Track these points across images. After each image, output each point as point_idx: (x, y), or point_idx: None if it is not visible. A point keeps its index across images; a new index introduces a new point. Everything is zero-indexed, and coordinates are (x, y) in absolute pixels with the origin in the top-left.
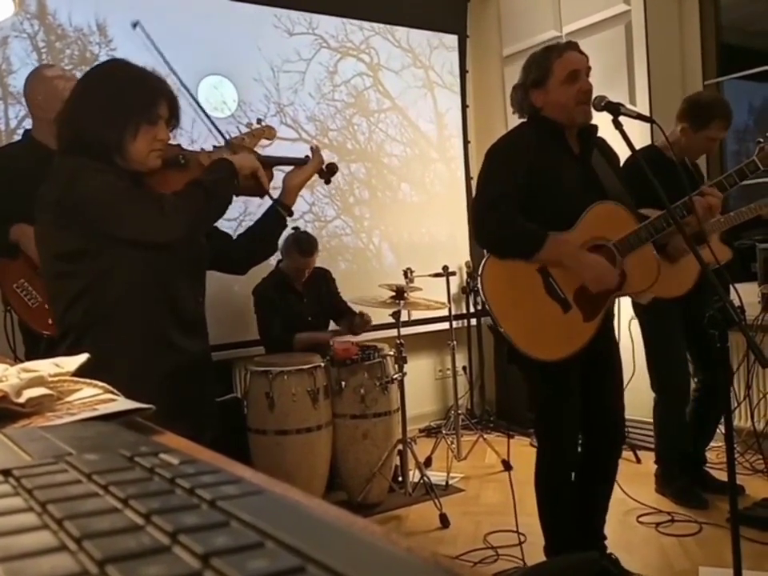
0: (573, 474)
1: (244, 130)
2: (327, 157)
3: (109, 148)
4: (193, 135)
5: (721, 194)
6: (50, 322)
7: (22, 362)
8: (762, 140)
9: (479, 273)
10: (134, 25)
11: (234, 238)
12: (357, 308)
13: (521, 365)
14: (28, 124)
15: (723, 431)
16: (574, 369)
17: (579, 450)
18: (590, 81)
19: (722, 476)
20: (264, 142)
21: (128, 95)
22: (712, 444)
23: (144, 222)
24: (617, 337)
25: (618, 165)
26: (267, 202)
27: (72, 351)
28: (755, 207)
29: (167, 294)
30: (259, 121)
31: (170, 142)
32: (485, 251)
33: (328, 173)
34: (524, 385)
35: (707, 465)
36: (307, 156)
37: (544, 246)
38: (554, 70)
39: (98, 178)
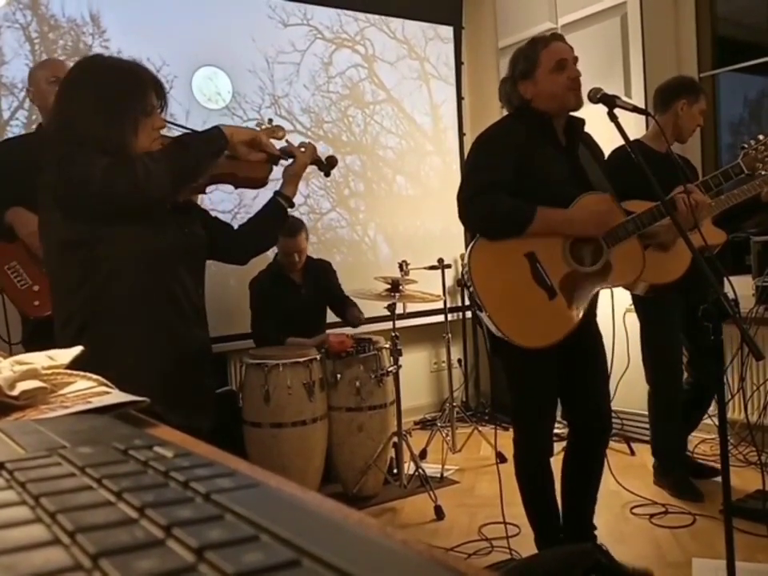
0: (550, 462)
1: (250, 125)
2: (322, 149)
3: (111, 148)
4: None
5: (706, 198)
6: (36, 303)
7: (8, 344)
8: (745, 145)
9: (467, 256)
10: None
11: (236, 228)
12: (353, 300)
13: (501, 352)
14: (22, 115)
15: (717, 424)
16: (553, 357)
17: (570, 439)
18: (578, 69)
19: (716, 468)
20: (274, 141)
21: (121, 93)
22: (705, 436)
23: (133, 184)
24: (602, 328)
25: (604, 160)
26: (261, 195)
27: (75, 340)
28: (748, 188)
29: (168, 285)
30: (270, 121)
31: (166, 133)
32: (474, 235)
33: (328, 165)
34: (503, 373)
35: (691, 453)
36: (302, 143)
37: (535, 217)
38: (541, 60)
39: (89, 157)
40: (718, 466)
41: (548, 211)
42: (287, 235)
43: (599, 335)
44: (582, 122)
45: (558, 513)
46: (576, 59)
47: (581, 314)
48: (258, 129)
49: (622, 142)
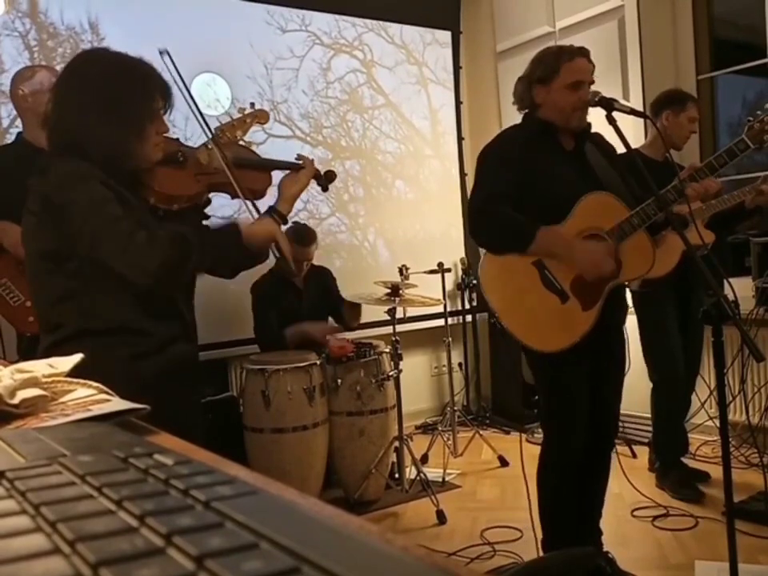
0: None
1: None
2: (322, 154)
3: (114, 156)
4: (186, 133)
5: (718, 180)
6: (31, 319)
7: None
8: (751, 118)
9: (478, 270)
10: (162, 53)
11: None
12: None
13: (529, 356)
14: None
15: (718, 425)
16: (580, 357)
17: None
18: (589, 91)
19: (718, 470)
20: (257, 126)
21: (125, 96)
22: (707, 438)
23: (118, 256)
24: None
25: (616, 156)
26: (262, 201)
27: (57, 351)
28: (738, 194)
29: (156, 298)
30: (252, 105)
31: (168, 134)
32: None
33: (326, 180)
34: (531, 375)
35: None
36: (301, 156)
37: (536, 239)
38: (561, 73)
39: (90, 189)
40: (720, 468)
41: (550, 236)
42: (301, 244)
43: (623, 340)
44: (588, 125)
45: (574, 515)
46: (592, 81)
47: (596, 314)
48: (240, 114)
49: (619, 145)
